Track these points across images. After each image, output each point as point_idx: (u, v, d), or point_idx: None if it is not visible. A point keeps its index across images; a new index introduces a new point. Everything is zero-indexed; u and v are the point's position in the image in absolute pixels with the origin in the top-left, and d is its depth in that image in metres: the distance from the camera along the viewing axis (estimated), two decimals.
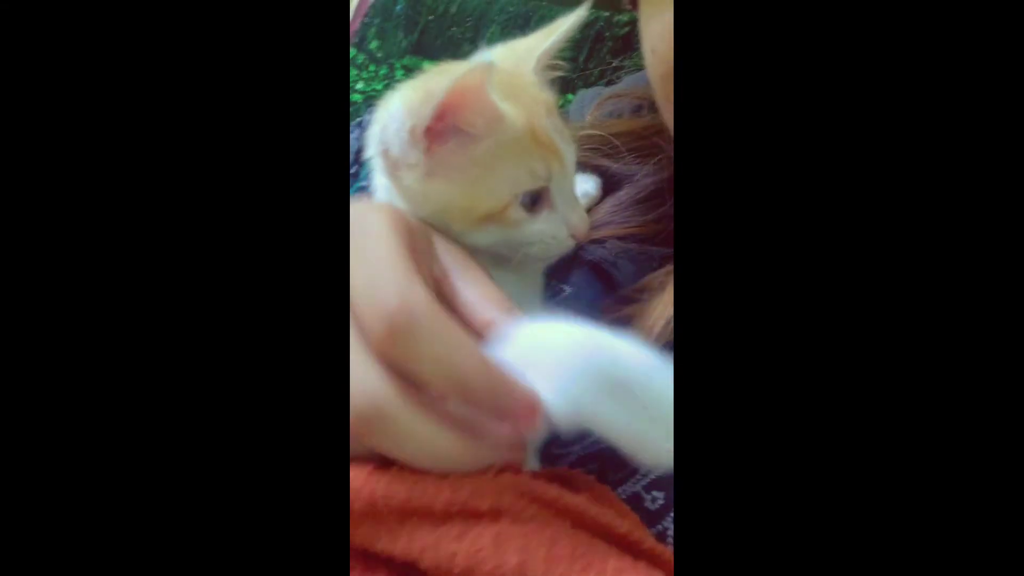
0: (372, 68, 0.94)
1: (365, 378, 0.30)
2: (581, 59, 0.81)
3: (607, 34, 0.83)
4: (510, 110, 0.41)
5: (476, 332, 0.35)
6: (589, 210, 0.55)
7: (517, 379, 0.33)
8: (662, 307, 0.46)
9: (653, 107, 0.59)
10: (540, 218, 0.43)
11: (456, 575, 0.31)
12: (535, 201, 0.43)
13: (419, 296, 0.31)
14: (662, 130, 0.56)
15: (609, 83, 0.77)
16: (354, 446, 0.32)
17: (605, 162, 0.56)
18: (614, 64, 0.81)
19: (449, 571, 0.31)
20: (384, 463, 0.33)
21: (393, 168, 0.43)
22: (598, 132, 0.59)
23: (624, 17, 0.82)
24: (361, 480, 0.32)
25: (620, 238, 0.52)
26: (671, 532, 0.42)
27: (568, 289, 0.51)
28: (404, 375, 0.31)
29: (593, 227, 0.52)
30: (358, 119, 0.90)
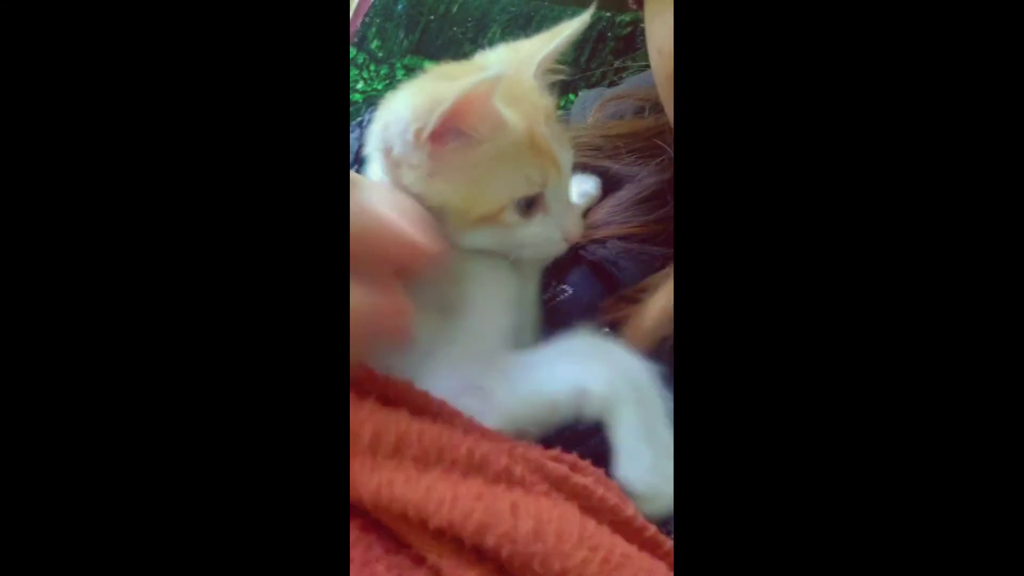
0: (373, 68, 0.93)
1: None
2: (583, 59, 0.81)
3: (609, 34, 0.83)
4: (511, 116, 0.42)
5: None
6: (589, 210, 0.55)
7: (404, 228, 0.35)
8: (657, 307, 0.46)
9: (655, 108, 0.59)
10: (534, 222, 0.44)
11: (468, 531, 0.31)
12: (530, 205, 0.44)
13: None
14: (664, 131, 0.56)
15: (611, 84, 0.77)
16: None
17: (606, 163, 0.56)
18: (616, 64, 0.81)
19: (462, 526, 0.31)
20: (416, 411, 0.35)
21: (394, 167, 0.43)
22: (599, 134, 0.59)
23: (626, 17, 0.82)
24: (391, 419, 0.34)
25: (621, 238, 0.53)
26: (671, 523, 0.42)
27: (570, 289, 0.51)
28: None
29: (594, 227, 0.53)
30: (358, 119, 0.90)
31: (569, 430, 0.39)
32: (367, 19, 0.96)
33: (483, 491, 0.33)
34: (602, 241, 0.52)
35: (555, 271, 0.51)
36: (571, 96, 0.76)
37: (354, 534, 0.32)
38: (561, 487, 0.35)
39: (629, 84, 0.69)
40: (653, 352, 0.43)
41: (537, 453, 0.36)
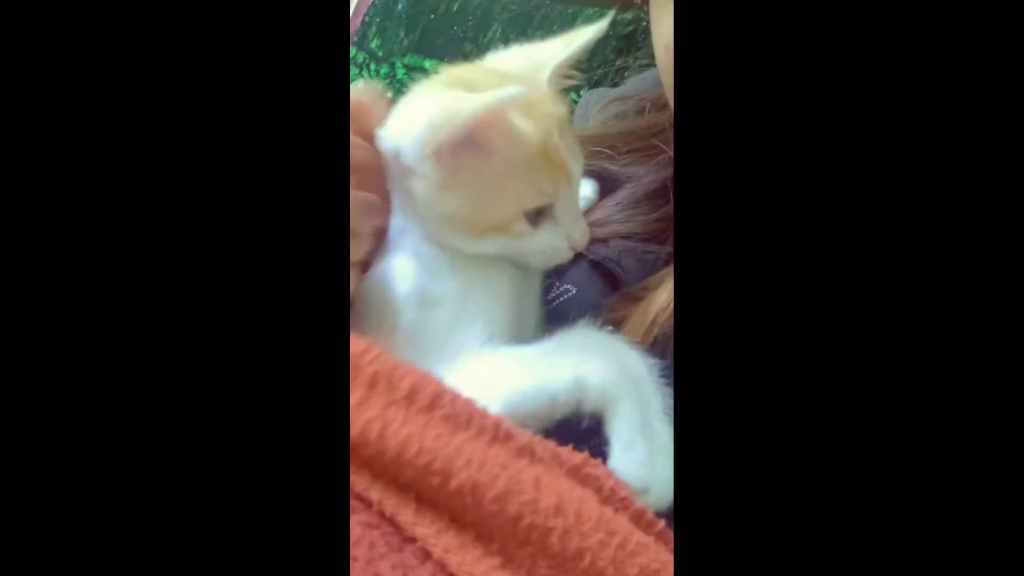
0: (373, 67, 0.93)
1: None
2: (584, 58, 0.81)
3: (611, 33, 0.83)
4: (525, 128, 0.42)
5: None
6: (587, 212, 0.55)
7: None
8: (658, 305, 0.46)
9: (655, 107, 0.59)
10: (542, 230, 0.44)
11: (491, 495, 0.32)
12: (538, 214, 0.44)
13: None
14: (663, 130, 0.56)
15: (614, 84, 0.77)
16: None
17: (605, 164, 0.56)
18: (618, 63, 0.81)
19: (487, 488, 0.32)
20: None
21: (403, 175, 0.43)
22: (599, 134, 0.59)
23: (629, 16, 0.82)
24: (429, 378, 0.35)
25: (623, 237, 0.53)
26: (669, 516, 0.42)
27: (573, 289, 0.51)
28: None
29: (595, 225, 0.53)
30: None
31: (572, 429, 0.39)
32: (367, 18, 0.96)
33: (508, 461, 0.33)
34: (604, 240, 0.52)
35: (558, 270, 0.51)
36: (573, 96, 0.76)
37: (357, 532, 0.32)
38: (576, 475, 0.35)
39: (632, 84, 0.69)
40: (654, 349, 0.43)
41: (552, 443, 0.36)
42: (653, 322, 0.45)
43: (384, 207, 0.45)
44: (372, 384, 0.34)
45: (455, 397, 0.35)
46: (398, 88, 0.85)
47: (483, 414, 0.35)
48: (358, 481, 0.32)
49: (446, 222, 0.43)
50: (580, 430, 0.39)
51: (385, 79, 0.92)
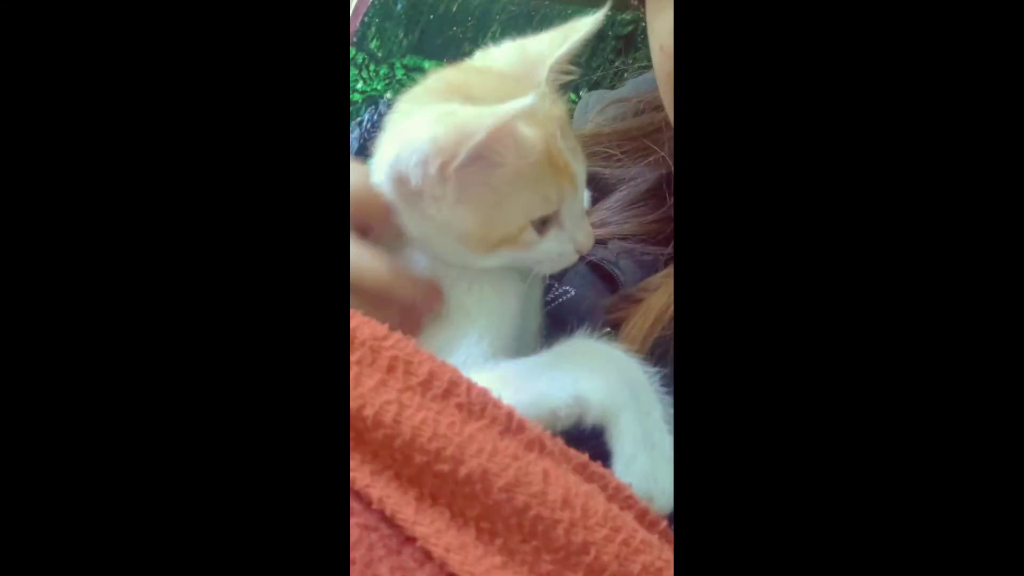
0: (372, 67, 0.93)
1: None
2: (584, 58, 0.81)
3: (610, 33, 0.83)
4: (531, 135, 0.41)
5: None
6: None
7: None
8: (658, 307, 0.46)
9: (651, 108, 0.59)
10: (548, 237, 0.43)
11: (500, 484, 0.32)
12: (545, 222, 0.43)
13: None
14: (658, 130, 0.56)
15: (612, 86, 0.77)
16: None
17: (599, 167, 0.56)
18: (617, 64, 0.81)
19: (496, 477, 0.32)
20: None
21: (411, 197, 0.42)
22: (595, 133, 0.59)
23: (628, 16, 0.82)
24: (447, 367, 0.35)
25: (621, 238, 0.53)
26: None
27: (572, 290, 0.51)
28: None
29: (593, 228, 0.52)
30: (358, 119, 0.90)
31: (573, 429, 0.39)
32: (366, 19, 0.96)
33: (519, 453, 0.33)
34: (603, 242, 0.52)
35: (556, 272, 0.51)
36: (573, 97, 0.76)
37: (355, 534, 0.32)
38: (582, 471, 0.35)
39: (632, 86, 0.69)
40: (654, 352, 0.43)
41: (561, 441, 0.37)
42: (653, 325, 0.45)
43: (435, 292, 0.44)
44: (391, 368, 0.34)
45: (470, 386, 0.35)
46: (397, 89, 0.85)
47: (496, 404, 0.35)
48: (359, 477, 0.32)
49: (458, 240, 0.42)
50: (584, 432, 0.39)
51: (384, 80, 0.92)
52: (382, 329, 0.35)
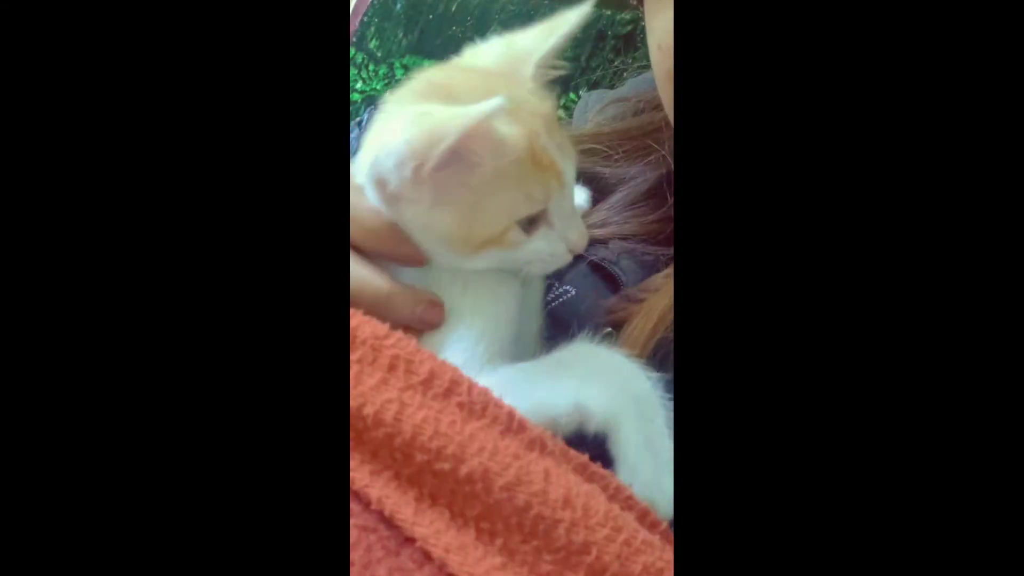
0: (371, 67, 0.93)
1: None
2: (583, 58, 0.81)
3: (609, 32, 0.83)
4: (511, 133, 0.40)
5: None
6: (584, 215, 0.54)
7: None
8: (660, 307, 0.46)
9: (650, 107, 0.59)
10: (538, 236, 0.42)
11: (501, 483, 0.32)
12: (532, 221, 0.42)
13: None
14: (658, 129, 0.56)
15: (612, 85, 0.77)
16: None
17: (600, 167, 0.56)
18: (616, 63, 0.81)
19: (497, 476, 0.32)
20: None
21: (391, 200, 0.42)
22: (594, 132, 0.59)
23: (627, 16, 0.82)
24: (447, 366, 0.35)
25: (622, 238, 0.53)
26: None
27: (572, 290, 0.51)
28: None
29: (593, 227, 0.52)
30: (357, 119, 0.89)
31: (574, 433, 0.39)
32: (365, 18, 0.95)
33: (520, 452, 0.33)
34: (603, 241, 0.52)
35: (557, 272, 0.51)
36: (572, 96, 0.76)
37: (354, 535, 0.32)
38: (583, 471, 0.35)
39: (631, 86, 0.69)
40: (656, 354, 0.42)
41: (561, 441, 0.37)
42: (656, 327, 0.45)
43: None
44: (392, 367, 0.34)
45: (471, 385, 0.35)
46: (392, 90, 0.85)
47: (497, 404, 0.35)
48: (358, 477, 0.32)
49: (441, 241, 0.42)
50: (585, 435, 0.39)
51: (384, 80, 0.92)
52: (383, 328, 0.35)
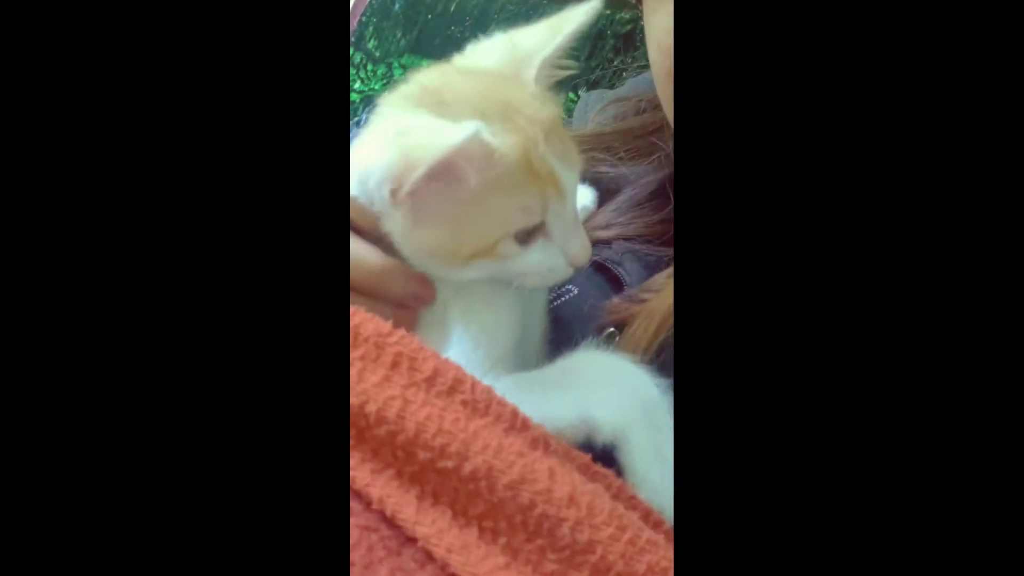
0: (370, 67, 0.93)
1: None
2: (583, 57, 0.81)
3: (608, 32, 0.83)
4: (503, 142, 0.38)
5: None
6: (588, 218, 0.54)
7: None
8: (662, 308, 0.46)
9: (652, 106, 0.59)
10: (535, 249, 0.41)
11: (505, 481, 0.32)
12: (529, 233, 0.40)
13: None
14: (660, 127, 0.56)
15: (612, 85, 0.77)
16: None
17: (604, 167, 0.56)
18: (616, 63, 0.81)
19: (502, 474, 0.32)
20: None
21: (376, 217, 0.41)
22: (596, 133, 0.59)
23: (626, 15, 0.82)
24: (451, 364, 0.35)
25: (626, 239, 0.52)
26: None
27: (575, 289, 0.51)
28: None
29: (597, 229, 0.52)
30: (356, 119, 0.89)
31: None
32: (364, 18, 0.95)
33: (524, 450, 0.33)
34: (607, 242, 0.52)
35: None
36: (571, 96, 0.76)
37: (355, 536, 0.32)
38: (586, 471, 0.35)
39: (631, 86, 0.69)
40: (659, 355, 0.42)
41: (565, 443, 0.37)
42: (659, 328, 0.45)
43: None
44: (395, 364, 0.34)
45: (475, 383, 0.35)
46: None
47: (501, 402, 0.35)
48: (359, 476, 0.32)
49: (427, 256, 0.41)
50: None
51: (382, 80, 0.92)
52: (386, 326, 0.35)
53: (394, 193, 0.39)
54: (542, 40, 0.43)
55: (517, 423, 0.34)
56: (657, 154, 0.56)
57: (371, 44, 0.94)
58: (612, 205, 0.55)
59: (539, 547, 0.32)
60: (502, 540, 0.32)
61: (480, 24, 0.89)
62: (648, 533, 0.33)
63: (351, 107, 0.90)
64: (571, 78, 0.77)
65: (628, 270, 0.51)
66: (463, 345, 0.42)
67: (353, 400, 0.32)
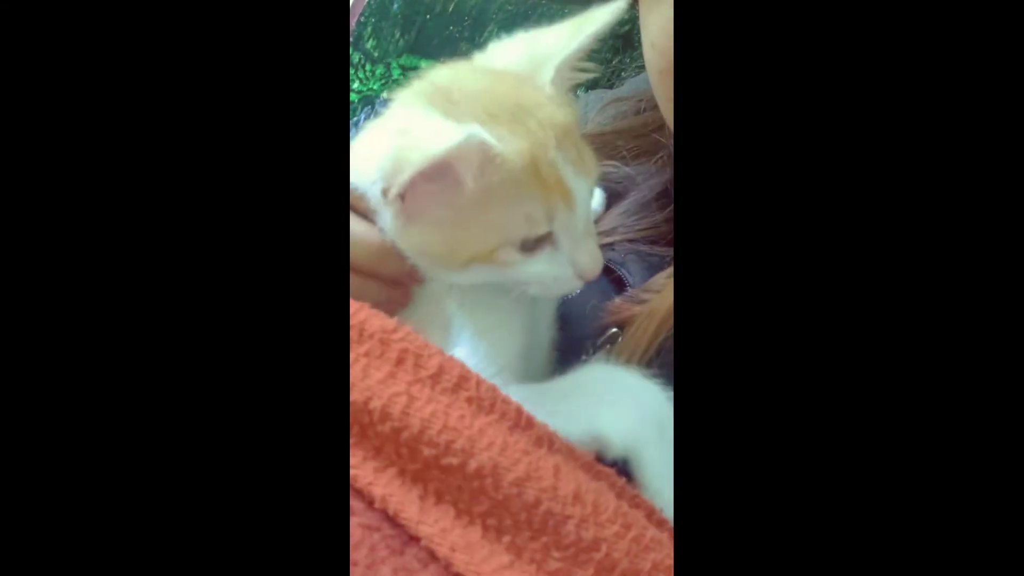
0: (369, 67, 0.93)
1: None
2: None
3: (608, 32, 0.83)
4: (508, 145, 0.36)
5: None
6: (594, 222, 0.53)
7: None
8: (664, 308, 0.46)
9: (651, 105, 0.59)
10: (540, 258, 0.39)
11: (511, 478, 0.32)
12: (535, 241, 0.39)
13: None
14: (661, 126, 0.56)
15: (610, 84, 0.77)
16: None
17: (607, 169, 0.56)
18: (614, 62, 0.81)
19: (507, 471, 0.32)
20: None
21: (370, 211, 0.41)
22: (597, 133, 0.59)
23: (625, 15, 0.82)
24: (456, 361, 0.35)
25: (630, 240, 0.53)
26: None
27: (577, 288, 0.50)
28: None
29: (602, 234, 0.52)
30: (354, 119, 0.89)
31: None
32: (362, 18, 0.95)
33: (528, 448, 0.33)
34: (610, 244, 0.52)
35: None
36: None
37: (356, 535, 0.32)
38: (590, 469, 0.35)
39: (631, 86, 0.69)
40: (659, 354, 0.42)
41: (567, 442, 0.36)
42: (659, 328, 0.45)
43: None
44: (400, 361, 0.34)
45: (480, 381, 0.34)
46: (393, 89, 0.85)
47: (505, 400, 0.34)
48: (362, 475, 0.32)
49: (421, 256, 0.40)
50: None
51: (381, 80, 0.92)
52: (391, 322, 0.35)
53: (384, 192, 0.38)
54: (561, 41, 0.41)
55: (522, 421, 0.34)
56: (661, 152, 0.56)
57: (369, 44, 0.94)
58: (619, 208, 0.54)
59: (544, 545, 0.32)
60: (506, 538, 0.32)
61: (478, 24, 0.89)
62: (653, 531, 0.33)
63: (350, 107, 0.90)
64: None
65: (632, 271, 0.51)
66: (464, 349, 0.41)
67: (357, 396, 0.32)
